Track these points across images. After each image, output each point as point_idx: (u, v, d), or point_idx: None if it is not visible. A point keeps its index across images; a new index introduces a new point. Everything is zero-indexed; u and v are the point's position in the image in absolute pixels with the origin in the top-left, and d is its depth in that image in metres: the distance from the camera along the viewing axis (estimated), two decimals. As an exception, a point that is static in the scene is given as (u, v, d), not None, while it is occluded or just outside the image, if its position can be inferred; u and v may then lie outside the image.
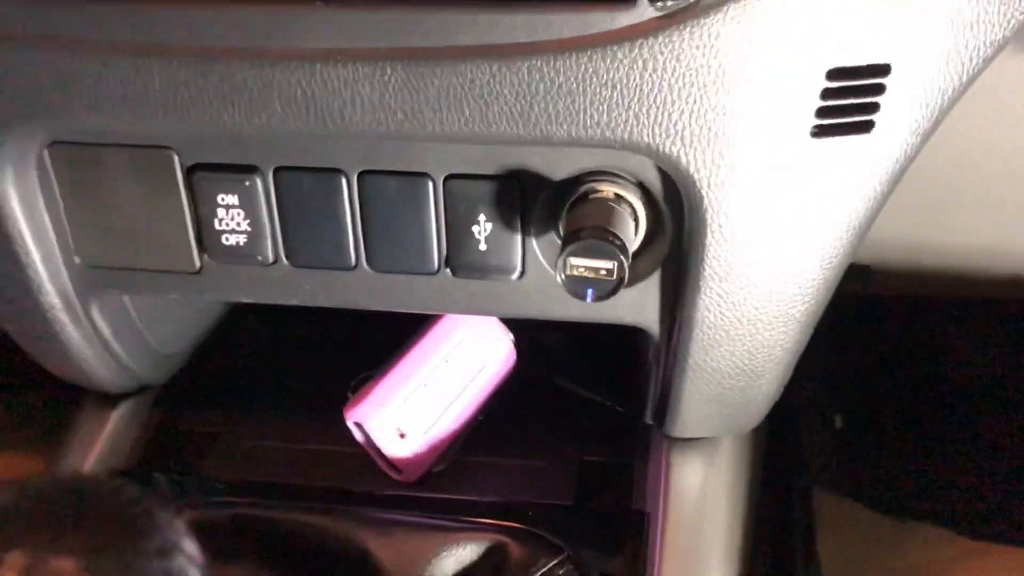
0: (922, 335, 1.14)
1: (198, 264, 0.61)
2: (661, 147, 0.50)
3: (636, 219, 0.56)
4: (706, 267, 0.54)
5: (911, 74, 0.50)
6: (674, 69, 0.48)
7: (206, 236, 0.60)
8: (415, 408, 0.68)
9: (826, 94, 0.49)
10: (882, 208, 0.55)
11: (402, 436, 0.68)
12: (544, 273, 0.59)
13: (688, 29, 0.47)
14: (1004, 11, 0.49)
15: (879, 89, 0.49)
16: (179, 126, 0.53)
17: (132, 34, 0.51)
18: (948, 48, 0.49)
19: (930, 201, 0.73)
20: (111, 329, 0.68)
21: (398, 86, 0.50)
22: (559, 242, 0.57)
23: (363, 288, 0.61)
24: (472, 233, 0.57)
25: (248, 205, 0.58)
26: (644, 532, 0.64)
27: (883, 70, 0.49)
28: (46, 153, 0.58)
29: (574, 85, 0.49)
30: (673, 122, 0.49)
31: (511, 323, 0.73)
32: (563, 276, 0.52)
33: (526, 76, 0.49)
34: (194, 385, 0.78)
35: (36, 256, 0.61)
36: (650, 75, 0.48)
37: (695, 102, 0.49)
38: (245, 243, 0.59)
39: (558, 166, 0.55)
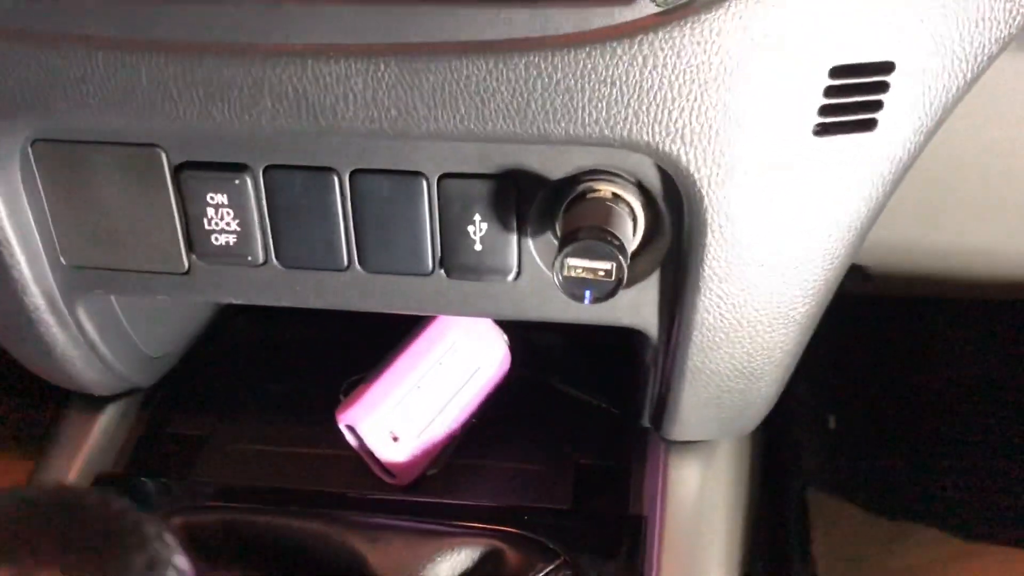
0: (917, 335, 1.14)
1: (186, 265, 0.60)
2: (661, 145, 0.49)
3: (634, 219, 0.55)
4: (706, 268, 0.54)
5: (915, 72, 0.49)
6: (674, 66, 0.47)
7: (195, 236, 0.59)
8: (408, 411, 0.68)
9: (829, 92, 0.48)
10: (884, 208, 0.54)
11: (395, 439, 0.67)
12: (540, 274, 0.58)
13: (689, 25, 0.46)
14: (1009, 8, 0.48)
15: (883, 87, 0.49)
16: (167, 123, 0.52)
17: (118, 29, 0.50)
18: (953, 46, 0.49)
19: (927, 201, 0.72)
20: (97, 331, 0.67)
21: (392, 83, 0.49)
22: (556, 242, 0.56)
23: (355, 289, 0.60)
24: (467, 233, 0.56)
25: (238, 204, 0.57)
26: (641, 536, 0.63)
27: (887, 68, 0.48)
28: (30, 151, 0.57)
29: (572, 82, 0.48)
30: (673, 120, 0.48)
31: (505, 324, 0.72)
32: (560, 277, 0.52)
33: (523, 73, 0.48)
34: (183, 387, 0.77)
35: (20, 256, 0.60)
36: (650, 72, 0.47)
37: (695, 100, 0.48)
38: (234, 243, 0.58)
39: (555, 165, 0.54)
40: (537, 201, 0.55)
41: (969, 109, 0.54)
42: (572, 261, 0.51)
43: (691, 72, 0.47)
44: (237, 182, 0.56)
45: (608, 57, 0.47)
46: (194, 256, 0.60)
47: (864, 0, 0.47)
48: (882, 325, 1.13)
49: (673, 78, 0.47)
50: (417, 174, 0.55)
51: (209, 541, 0.64)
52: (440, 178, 0.55)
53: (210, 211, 0.57)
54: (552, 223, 0.56)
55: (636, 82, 0.47)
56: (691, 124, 0.48)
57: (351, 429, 0.68)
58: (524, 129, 0.49)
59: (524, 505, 0.65)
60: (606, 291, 0.52)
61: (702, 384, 0.60)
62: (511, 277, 0.58)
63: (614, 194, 0.54)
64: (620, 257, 0.51)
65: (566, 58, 0.47)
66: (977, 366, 1.12)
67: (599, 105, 0.48)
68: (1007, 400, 1.08)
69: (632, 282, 0.57)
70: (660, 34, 0.46)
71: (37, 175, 0.58)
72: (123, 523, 0.31)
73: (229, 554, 0.64)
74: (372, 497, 0.67)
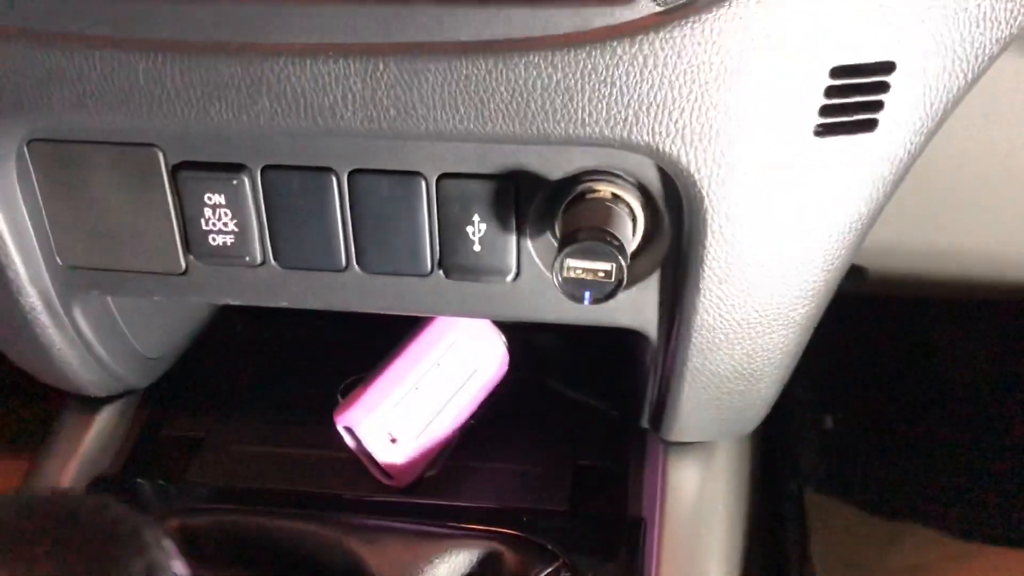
0: (913, 335, 1.14)
1: (183, 265, 0.60)
2: (661, 146, 0.49)
3: (634, 219, 0.55)
4: (706, 269, 0.53)
5: (916, 72, 0.49)
6: (675, 66, 0.47)
7: (192, 236, 0.58)
8: (406, 412, 0.67)
9: (830, 92, 0.48)
10: (884, 208, 0.54)
11: (393, 441, 0.67)
12: (539, 275, 0.57)
13: (689, 25, 0.46)
14: (1011, 8, 0.48)
15: (883, 87, 0.49)
16: (164, 123, 0.52)
17: (116, 28, 0.50)
18: (953, 46, 0.48)
19: (925, 202, 0.72)
20: (94, 331, 0.66)
21: (391, 83, 0.49)
22: (555, 243, 0.56)
23: (353, 290, 0.60)
24: (466, 234, 0.56)
25: (235, 205, 0.57)
26: (640, 538, 0.63)
27: (888, 68, 0.48)
28: (26, 151, 0.57)
29: (572, 82, 0.48)
30: (673, 120, 0.48)
31: (503, 325, 0.71)
32: (560, 278, 0.51)
33: (523, 73, 0.48)
34: (180, 388, 0.77)
35: (16, 257, 0.60)
36: (650, 72, 0.47)
37: (696, 100, 0.48)
38: (232, 244, 0.58)
39: (554, 165, 0.54)
40: (536, 201, 0.55)
41: (968, 110, 0.53)
42: (572, 262, 0.51)
43: (691, 72, 0.47)
44: (235, 182, 0.56)
45: (608, 57, 0.47)
46: (191, 257, 0.60)
47: (865, 0, 0.47)
48: (878, 325, 1.13)
49: (673, 78, 0.47)
50: (416, 174, 0.55)
51: (206, 543, 0.64)
52: (439, 178, 0.55)
53: (207, 211, 0.57)
54: (551, 223, 0.56)
55: (636, 82, 0.47)
56: (691, 124, 0.48)
57: (349, 431, 0.68)
58: (524, 129, 0.49)
59: (523, 507, 0.65)
60: (606, 292, 0.52)
61: (702, 385, 0.60)
62: (510, 278, 0.58)
63: (614, 194, 0.54)
64: (620, 258, 0.50)
65: (566, 58, 0.47)
66: (974, 366, 1.12)
67: (599, 105, 0.48)
68: (1004, 400, 1.08)
69: (631, 283, 0.57)
70: (660, 34, 0.46)
71: (33, 175, 0.58)
72: (121, 529, 0.31)
73: (226, 557, 0.63)
74: (370, 499, 0.66)
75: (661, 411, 0.64)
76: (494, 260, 0.57)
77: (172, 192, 0.57)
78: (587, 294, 0.52)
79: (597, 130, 0.49)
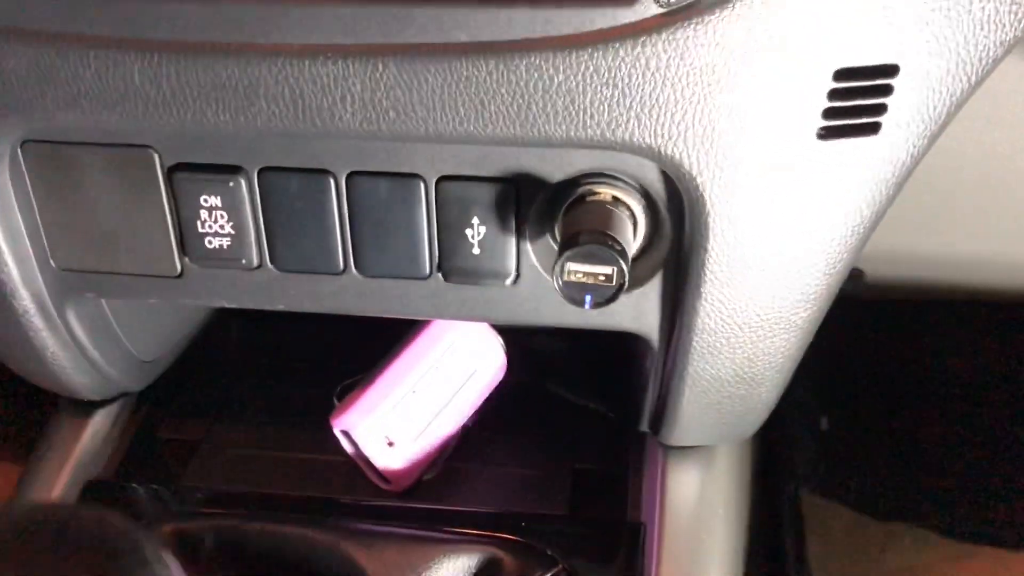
0: (909, 336, 1.15)
1: (179, 268, 0.59)
2: (663, 149, 0.49)
3: (635, 222, 0.54)
4: (707, 272, 0.53)
5: (919, 75, 0.48)
6: (677, 68, 0.46)
7: (188, 239, 0.58)
8: (404, 415, 0.67)
9: (833, 95, 0.48)
10: (887, 211, 0.54)
11: (390, 444, 0.66)
12: (539, 278, 0.57)
13: (692, 26, 0.46)
14: (1015, 10, 0.48)
15: (887, 90, 0.48)
16: (160, 124, 0.51)
17: (111, 27, 0.49)
18: (957, 48, 0.48)
19: (923, 204, 0.72)
20: (88, 334, 0.66)
21: (391, 84, 0.48)
22: (554, 246, 0.56)
23: (351, 293, 0.59)
24: (465, 237, 0.55)
25: (232, 207, 0.56)
26: (640, 543, 0.62)
27: (891, 71, 0.48)
28: (19, 152, 0.56)
29: (574, 84, 0.47)
30: (676, 123, 0.48)
31: (502, 328, 0.71)
32: (560, 282, 0.51)
33: (524, 74, 0.47)
34: (174, 391, 0.76)
35: (9, 259, 0.59)
36: (652, 74, 0.47)
37: (698, 102, 0.47)
38: (229, 246, 0.57)
39: (555, 167, 0.53)
40: (536, 204, 0.55)
41: (969, 111, 0.53)
42: (573, 266, 0.50)
43: (694, 74, 0.46)
44: (231, 184, 0.55)
45: (610, 59, 0.46)
46: (187, 259, 0.59)
47: (868, 3, 0.46)
48: (874, 326, 1.13)
49: (676, 80, 0.47)
50: (415, 176, 0.54)
51: (201, 549, 0.63)
52: (438, 180, 0.54)
53: (203, 213, 0.56)
54: (551, 226, 0.55)
55: (639, 84, 0.47)
56: (694, 127, 0.48)
57: (346, 434, 0.67)
58: (524, 131, 0.49)
59: (521, 511, 0.65)
60: (607, 296, 0.51)
61: (702, 389, 0.59)
62: (509, 281, 0.57)
63: (614, 197, 0.53)
64: (622, 262, 0.50)
65: (568, 59, 0.47)
66: (970, 367, 1.12)
67: (601, 107, 0.48)
68: (999, 401, 1.08)
69: (632, 286, 0.57)
70: (663, 35, 0.46)
71: (27, 176, 0.57)
72: (120, 544, 0.30)
73: (221, 562, 0.63)
74: (367, 503, 0.66)
75: (661, 415, 0.64)
76: (493, 263, 0.56)
77: (168, 194, 0.57)
78: (588, 298, 0.51)
79: (599, 132, 0.48)
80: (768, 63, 0.47)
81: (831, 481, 1.03)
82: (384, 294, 0.59)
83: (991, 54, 0.49)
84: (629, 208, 0.54)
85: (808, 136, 0.49)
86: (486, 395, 0.71)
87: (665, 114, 0.48)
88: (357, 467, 0.68)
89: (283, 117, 0.50)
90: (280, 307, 0.61)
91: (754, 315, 0.55)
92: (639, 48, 0.46)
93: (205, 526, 0.63)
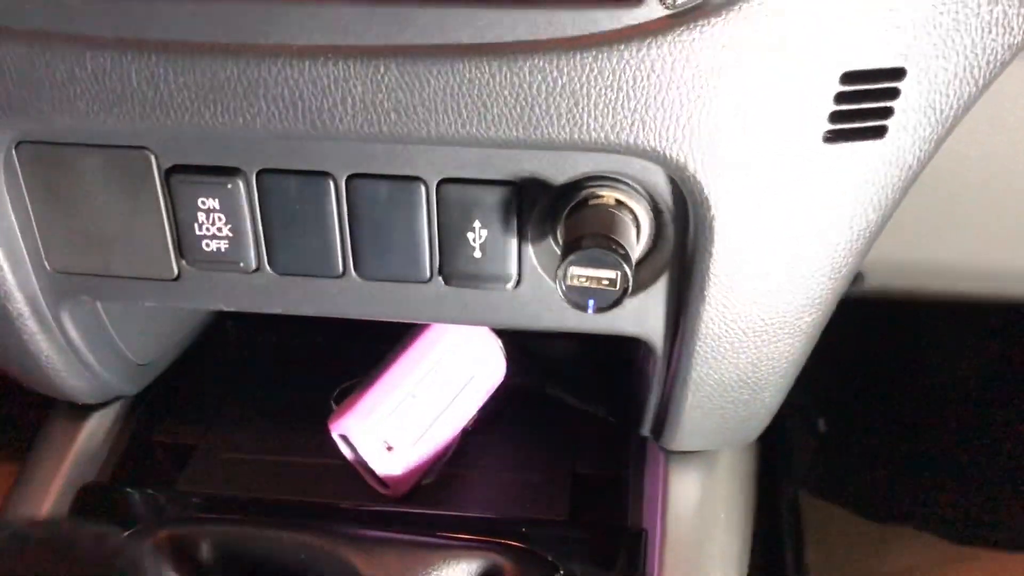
0: (908, 338, 1.15)
1: (176, 271, 0.59)
2: (667, 152, 0.48)
3: (638, 226, 0.54)
4: (711, 276, 0.53)
5: (927, 79, 0.48)
6: (682, 70, 0.46)
7: (185, 241, 0.57)
8: (402, 420, 0.66)
9: (839, 98, 0.47)
10: (892, 215, 0.54)
11: (389, 449, 0.66)
12: (541, 282, 0.56)
13: (698, 28, 0.45)
14: (1023, 13, 0.47)
15: (894, 94, 0.48)
16: (157, 125, 0.50)
17: (108, 27, 0.48)
18: (965, 52, 0.48)
19: (923, 206, 0.72)
20: (83, 338, 0.65)
21: (392, 86, 0.47)
22: (556, 250, 0.55)
23: (350, 297, 0.59)
24: (466, 240, 0.55)
25: (230, 209, 0.55)
26: (641, 548, 0.62)
27: (898, 74, 0.47)
28: (14, 153, 0.56)
29: (577, 86, 0.47)
30: (680, 126, 0.47)
31: (502, 331, 0.70)
32: (564, 286, 0.50)
33: (527, 76, 0.47)
34: (170, 395, 0.76)
35: (3, 261, 0.58)
36: (657, 76, 0.46)
37: (704, 105, 0.47)
38: (226, 249, 0.57)
39: (557, 170, 0.53)
40: (538, 207, 0.54)
41: (970, 114, 0.53)
42: (576, 270, 0.50)
43: (700, 77, 0.46)
44: (229, 186, 0.55)
45: (615, 61, 0.46)
46: (184, 262, 0.58)
47: (876, 5, 0.46)
48: (873, 327, 1.13)
49: (681, 83, 0.46)
50: (415, 179, 0.54)
51: (196, 554, 0.62)
52: (439, 183, 0.54)
53: (201, 216, 0.56)
54: (553, 230, 0.55)
55: (643, 86, 0.46)
56: (699, 130, 0.47)
57: (344, 438, 0.67)
58: (527, 134, 0.48)
59: (521, 516, 0.64)
60: (610, 301, 0.51)
61: (705, 394, 0.59)
62: (511, 285, 0.57)
63: (617, 200, 0.53)
64: (625, 266, 0.49)
65: (572, 61, 0.46)
66: (968, 369, 1.12)
67: (605, 110, 0.47)
68: (998, 403, 1.08)
69: (635, 291, 0.56)
70: (669, 37, 0.45)
71: (21, 178, 0.56)
72: (120, 562, 0.30)
73: (217, 568, 0.62)
74: (366, 508, 0.65)
75: (663, 420, 0.63)
76: (495, 267, 0.56)
77: (165, 196, 0.56)
78: (591, 302, 0.51)
79: (603, 135, 0.48)
80: (774, 66, 0.46)
81: (829, 482, 1.03)
82: (384, 298, 0.58)
83: (999, 57, 0.49)
84: (632, 212, 0.53)
85: (814, 140, 0.48)
86: (486, 399, 0.71)
87: (670, 117, 0.47)
88: (355, 472, 0.67)
89: (283, 118, 0.49)
90: (278, 311, 0.60)
91: (758, 319, 0.55)
92: (644, 50, 0.46)
93: (201, 531, 0.63)
